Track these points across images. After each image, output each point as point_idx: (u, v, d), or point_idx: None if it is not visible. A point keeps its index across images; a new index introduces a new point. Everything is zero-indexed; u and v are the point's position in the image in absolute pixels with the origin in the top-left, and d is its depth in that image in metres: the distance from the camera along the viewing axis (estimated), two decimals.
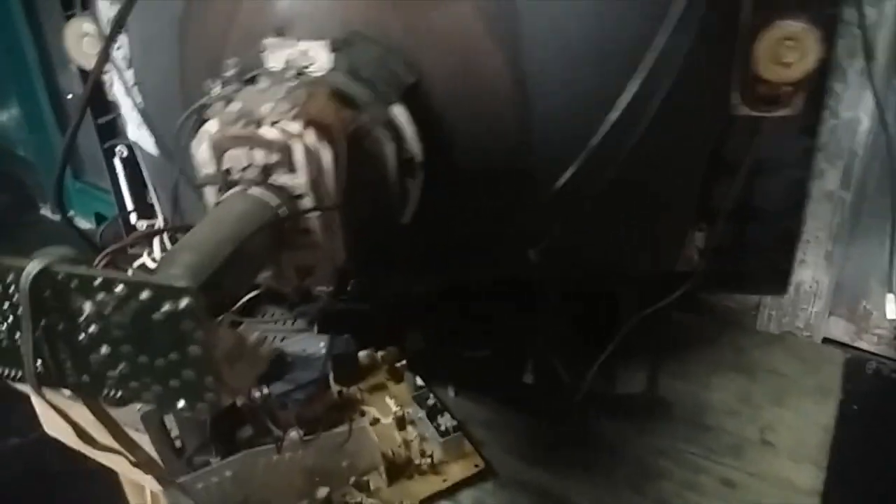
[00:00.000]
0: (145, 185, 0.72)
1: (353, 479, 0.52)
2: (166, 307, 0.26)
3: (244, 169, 0.34)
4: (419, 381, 0.60)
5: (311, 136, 0.33)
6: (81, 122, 0.49)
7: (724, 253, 0.61)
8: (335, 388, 0.59)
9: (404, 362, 0.63)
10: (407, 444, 0.55)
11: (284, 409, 0.54)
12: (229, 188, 0.34)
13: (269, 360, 0.31)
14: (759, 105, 0.50)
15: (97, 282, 0.26)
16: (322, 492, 0.50)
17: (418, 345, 0.66)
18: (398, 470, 0.53)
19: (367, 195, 0.38)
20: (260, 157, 0.34)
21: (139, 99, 0.55)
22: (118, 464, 0.67)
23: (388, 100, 0.40)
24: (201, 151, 0.35)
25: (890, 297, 0.78)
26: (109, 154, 0.72)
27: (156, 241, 0.45)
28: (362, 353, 0.64)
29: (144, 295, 0.26)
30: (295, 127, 0.33)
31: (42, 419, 0.69)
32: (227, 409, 0.54)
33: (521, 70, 0.43)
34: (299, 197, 0.35)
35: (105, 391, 0.29)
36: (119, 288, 0.26)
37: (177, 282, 0.26)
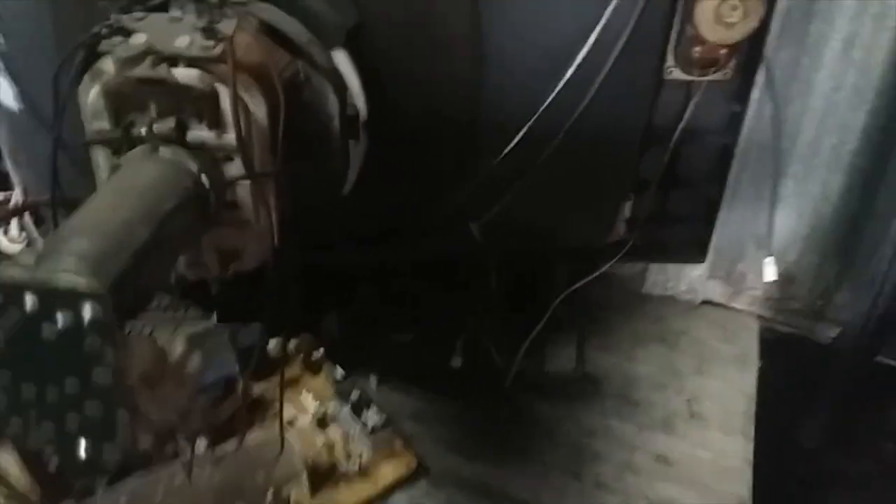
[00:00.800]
0: None
1: (270, 494, 0.45)
2: (62, 320, 0.19)
3: (151, 122, 0.26)
4: (339, 372, 0.55)
5: (241, 81, 0.26)
6: None
7: (648, 222, 0.61)
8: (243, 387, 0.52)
9: (321, 351, 0.57)
10: (330, 446, 0.50)
11: (186, 416, 0.46)
12: (131, 147, 0.26)
13: (198, 379, 0.24)
14: (693, 69, 0.50)
15: None
16: None
17: (335, 330, 0.60)
18: (322, 477, 0.47)
19: (304, 161, 0.31)
20: (172, 106, 0.27)
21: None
22: None
23: (330, 42, 0.33)
24: (92, 99, 0.27)
25: (769, 259, 0.84)
26: None
27: (14, 220, 0.35)
28: (272, 343, 0.57)
29: (29, 303, 0.18)
30: (221, 68, 0.26)
31: None
32: None
33: (479, 20, 0.38)
34: (225, 159, 0.28)
35: None
36: None
37: (79, 283, 0.18)
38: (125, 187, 0.25)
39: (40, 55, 0.41)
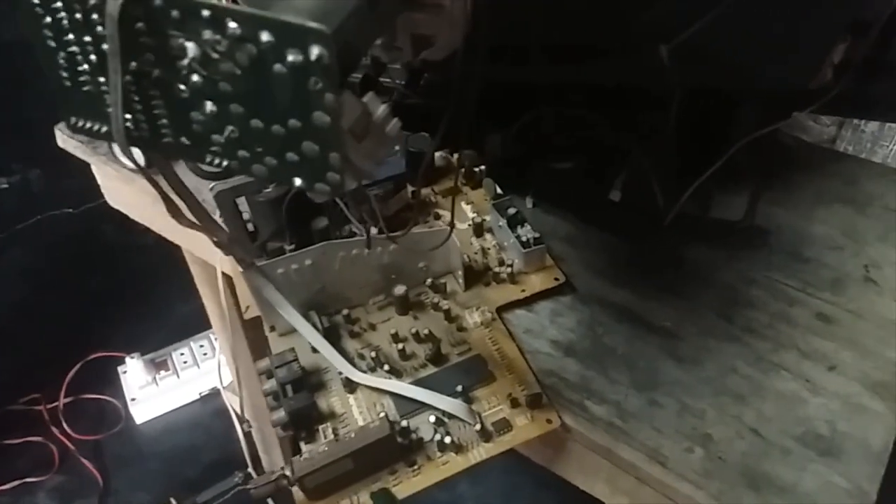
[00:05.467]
0: None
1: (429, 281, 0.50)
2: (291, 57, 0.21)
3: None
4: (498, 190, 0.57)
5: None
6: None
7: (860, 71, 0.54)
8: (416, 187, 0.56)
9: (483, 167, 0.59)
10: (484, 251, 0.53)
11: (360, 203, 0.51)
12: None
13: (395, 141, 0.26)
14: None
15: (205, 13, 0.20)
16: (399, 289, 0.48)
17: (497, 150, 0.61)
18: (475, 276, 0.51)
19: None
20: None
21: None
22: (189, 243, 0.66)
23: None
24: None
25: None
26: None
27: None
28: (438, 154, 0.59)
29: (264, 37, 0.20)
30: None
31: (104, 190, 0.67)
32: (301, 197, 0.51)
33: None
34: None
35: (208, 158, 0.24)
36: (232, 25, 0.20)
37: (307, 21, 0.20)
38: None
39: None
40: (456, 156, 0.60)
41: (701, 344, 0.47)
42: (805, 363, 0.46)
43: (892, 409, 0.43)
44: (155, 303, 1.37)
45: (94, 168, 0.66)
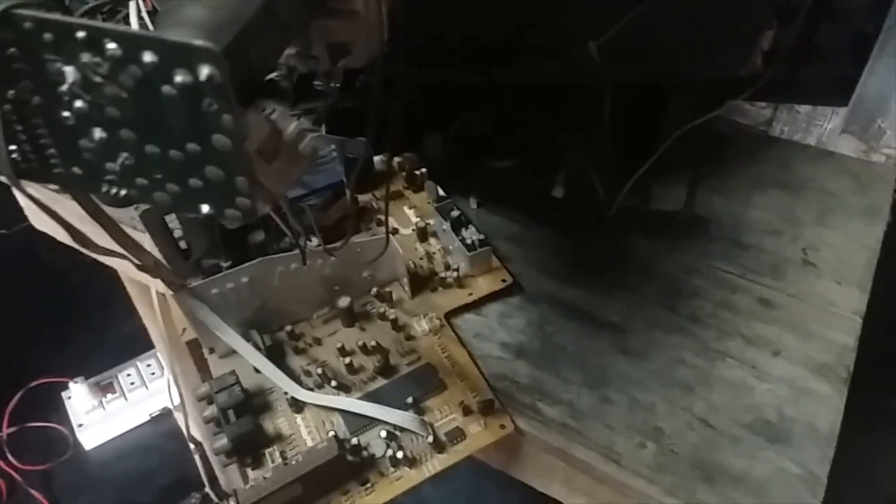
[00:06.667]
0: None
1: (374, 290, 0.49)
2: (179, 77, 0.19)
3: None
4: (440, 192, 0.56)
5: None
6: None
7: (789, 57, 0.55)
8: (350, 194, 0.54)
9: (424, 170, 0.58)
10: (429, 256, 0.52)
11: (299, 214, 0.49)
12: None
13: (312, 159, 0.24)
14: None
15: (80, 34, 0.19)
16: (343, 301, 0.47)
17: (438, 152, 0.60)
18: (421, 282, 0.50)
19: None
20: None
21: None
22: (120, 265, 0.63)
23: None
24: None
25: None
26: None
27: (132, 4, 0.35)
28: (377, 158, 0.58)
29: (147, 58, 0.19)
30: None
31: (28, 213, 0.63)
32: None
33: None
34: None
35: (104, 188, 0.23)
36: (111, 46, 0.19)
37: (193, 39, 0.18)
38: None
39: None
40: (396, 159, 0.59)
41: (648, 337, 0.47)
42: (750, 350, 0.46)
43: (837, 390, 0.44)
44: (97, 324, 1.31)
45: (14, 190, 0.62)
